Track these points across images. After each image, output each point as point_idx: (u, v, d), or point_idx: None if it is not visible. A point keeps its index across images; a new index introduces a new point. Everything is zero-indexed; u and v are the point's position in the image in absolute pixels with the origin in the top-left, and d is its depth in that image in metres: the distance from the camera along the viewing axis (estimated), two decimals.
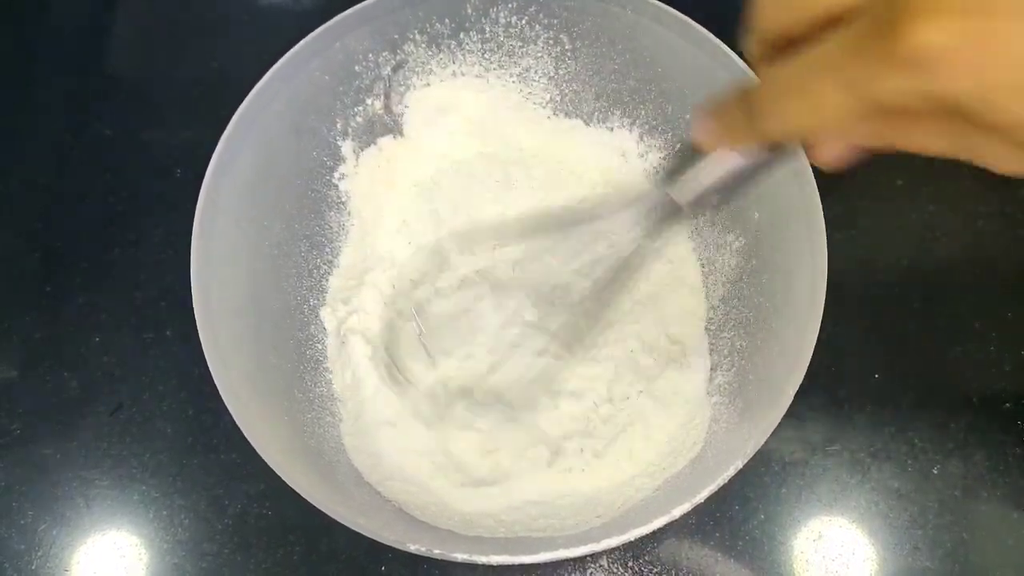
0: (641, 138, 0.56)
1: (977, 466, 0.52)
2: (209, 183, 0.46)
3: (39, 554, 0.51)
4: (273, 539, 0.51)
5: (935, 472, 0.52)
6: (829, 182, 0.61)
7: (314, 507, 0.39)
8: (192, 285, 0.44)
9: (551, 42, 0.54)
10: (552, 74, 0.56)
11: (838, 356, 0.55)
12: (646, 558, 0.50)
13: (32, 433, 0.54)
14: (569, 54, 0.54)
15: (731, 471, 0.39)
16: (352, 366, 0.51)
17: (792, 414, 0.53)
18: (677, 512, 0.39)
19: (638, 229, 0.41)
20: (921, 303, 0.56)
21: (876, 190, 0.60)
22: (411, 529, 0.45)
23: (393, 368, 0.51)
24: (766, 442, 0.53)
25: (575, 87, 0.56)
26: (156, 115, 0.65)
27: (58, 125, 0.65)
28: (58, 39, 0.68)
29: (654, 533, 0.50)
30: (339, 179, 0.55)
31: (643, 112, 0.55)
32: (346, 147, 0.55)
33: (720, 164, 0.33)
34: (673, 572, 0.50)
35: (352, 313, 0.53)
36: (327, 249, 0.55)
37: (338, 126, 0.54)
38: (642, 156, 0.56)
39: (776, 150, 0.32)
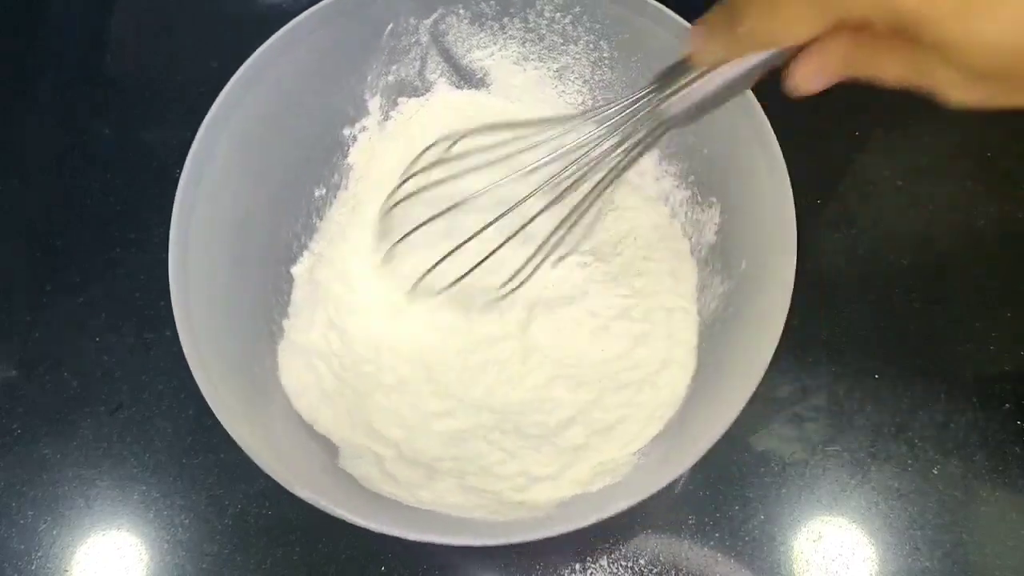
0: (659, 161, 0.55)
1: (977, 466, 0.52)
2: (223, 103, 0.47)
3: (39, 554, 0.51)
4: (273, 539, 0.51)
5: (935, 472, 0.52)
6: (829, 181, 0.61)
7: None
8: (178, 190, 0.44)
9: (591, 46, 0.54)
10: (587, 77, 0.56)
11: (838, 356, 0.55)
12: (646, 558, 0.50)
13: (32, 433, 0.54)
14: (607, 62, 0.54)
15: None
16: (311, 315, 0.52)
17: (792, 414, 0.53)
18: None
19: (616, 143, 0.42)
20: (921, 303, 0.56)
21: (876, 190, 0.60)
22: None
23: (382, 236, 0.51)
24: (766, 442, 0.54)
25: (607, 96, 0.56)
26: (156, 115, 0.65)
27: (58, 125, 0.65)
28: (58, 39, 0.68)
29: (654, 532, 0.50)
30: (359, 131, 0.56)
31: (666, 137, 0.54)
32: (372, 102, 0.56)
33: (708, 79, 0.37)
34: (673, 572, 0.50)
35: (319, 263, 0.54)
36: (330, 196, 0.56)
37: (368, 80, 0.55)
38: (657, 180, 0.56)
39: (757, 66, 0.35)
